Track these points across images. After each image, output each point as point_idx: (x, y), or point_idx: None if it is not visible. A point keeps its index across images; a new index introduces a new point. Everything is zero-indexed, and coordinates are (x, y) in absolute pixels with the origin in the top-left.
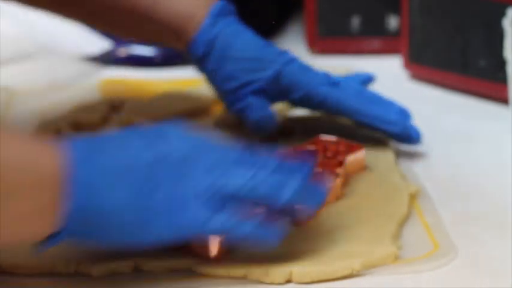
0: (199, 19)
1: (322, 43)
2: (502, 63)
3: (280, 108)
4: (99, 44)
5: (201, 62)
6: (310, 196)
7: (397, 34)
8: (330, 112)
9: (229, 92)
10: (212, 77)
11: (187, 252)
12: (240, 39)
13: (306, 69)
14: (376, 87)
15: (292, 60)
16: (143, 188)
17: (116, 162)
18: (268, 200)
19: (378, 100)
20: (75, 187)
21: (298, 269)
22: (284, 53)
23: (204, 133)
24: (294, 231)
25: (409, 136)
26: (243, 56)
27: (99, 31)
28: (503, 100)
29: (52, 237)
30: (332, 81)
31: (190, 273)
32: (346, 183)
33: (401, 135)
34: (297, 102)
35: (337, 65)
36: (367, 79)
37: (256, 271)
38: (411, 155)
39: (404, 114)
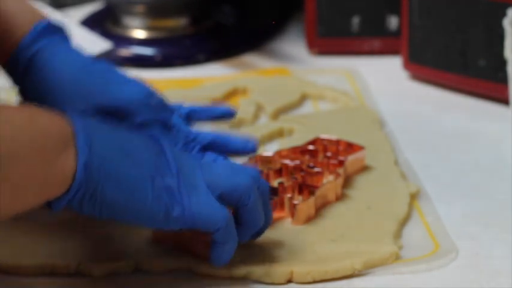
0: (20, 36)
1: (322, 43)
2: (502, 63)
3: (278, 109)
4: (99, 44)
5: (21, 81)
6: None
7: (397, 34)
8: None
9: None
10: (34, 96)
11: (187, 252)
12: (60, 57)
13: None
14: (376, 87)
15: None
16: (148, 161)
17: (114, 135)
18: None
19: None
20: (79, 144)
21: (299, 268)
22: (113, 70)
23: None
24: (294, 231)
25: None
26: (60, 75)
27: None
28: (503, 100)
29: (58, 201)
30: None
31: (190, 273)
32: (346, 183)
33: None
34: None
35: (337, 65)
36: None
37: (256, 271)
38: (411, 155)
39: None
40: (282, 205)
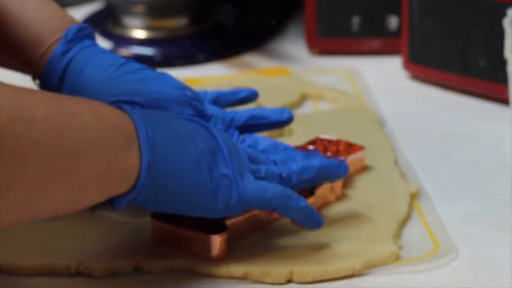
0: (50, 46)
1: (322, 43)
2: (502, 63)
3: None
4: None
5: (58, 89)
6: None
7: (397, 34)
8: None
9: None
10: None
11: (187, 252)
12: (95, 60)
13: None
14: (376, 87)
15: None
16: (203, 154)
17: (171, 129)
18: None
19: None
20: (142, 142)
21: (299, 268)
22: (146, 68)
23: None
24: (294, 231)
25: None
26: (97, 78)
27: None
28: (503, 100)
29: (122, 198)
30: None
31: (190, 273)
32: (346, 183)
33: None
34: None
35: (337, 65)
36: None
37: (256, 271)
38: (411, 155)
39: None
40: None
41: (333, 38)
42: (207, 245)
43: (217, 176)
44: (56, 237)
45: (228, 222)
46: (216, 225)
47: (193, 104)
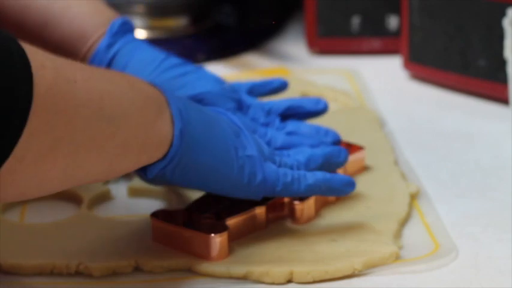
0: (95, 40)
1: (322, 43)
2: (502, 63)
3: None
4: None
5: None
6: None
7: (397, 34)
8: None
9: None
10: None
11: (187, 252)
12: (138, 55)
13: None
14: (376, 87)
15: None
16: (228, 134)
17: (197, 107)
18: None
19: None
20: (173, 111)
21: (299, 268)
22: (186, 63)
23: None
24: (294, 231)
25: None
26: (141, 73)
27: None
28: (503, 100)
29: (153, 166)
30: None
31: (190, 273)
32: None
33: None
34: None
35: (337, 65)
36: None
37: (256, 271)
38: (411, 155)
39: None
40: (282, 205)
41: (333, 38)
42: (207, 245)
43: (243, 156)
44: (56, 237)
45: (228, 222)
46: (216, 225)
47: (232, 96)
